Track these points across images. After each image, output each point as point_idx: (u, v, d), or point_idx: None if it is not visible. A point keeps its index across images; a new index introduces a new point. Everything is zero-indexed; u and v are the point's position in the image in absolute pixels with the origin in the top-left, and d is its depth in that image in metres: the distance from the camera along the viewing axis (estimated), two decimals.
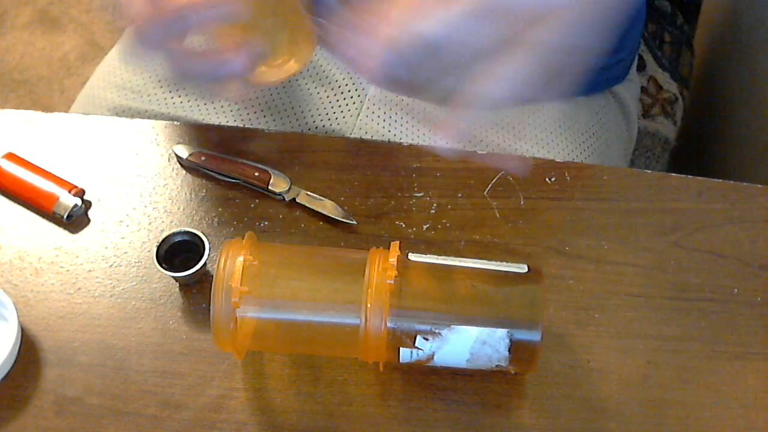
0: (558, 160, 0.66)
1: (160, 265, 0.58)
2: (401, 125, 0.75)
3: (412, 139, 0.74)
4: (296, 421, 0.55)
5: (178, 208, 0.64)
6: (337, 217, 0.63)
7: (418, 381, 0.57)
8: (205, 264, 0.59)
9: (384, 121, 0.75)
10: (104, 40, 1.81)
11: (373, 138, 0.73)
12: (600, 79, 0.80)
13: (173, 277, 0.60)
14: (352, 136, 0.74)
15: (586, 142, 0.78)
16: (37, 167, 0.65)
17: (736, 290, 0.60)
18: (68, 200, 0.63)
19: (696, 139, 1.11)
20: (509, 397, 0.56)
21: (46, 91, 1.73)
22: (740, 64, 1.02)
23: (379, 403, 0.56)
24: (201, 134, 0.68)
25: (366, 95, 0.76)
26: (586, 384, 0.56)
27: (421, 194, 0.64)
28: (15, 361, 0.57)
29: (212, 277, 0.60)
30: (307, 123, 0.74)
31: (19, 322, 0.57)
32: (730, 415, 0.55)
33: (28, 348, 0.58)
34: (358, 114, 0.75)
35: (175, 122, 0.71)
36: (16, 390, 0.56)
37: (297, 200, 0.64)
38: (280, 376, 0.57)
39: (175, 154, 0.66)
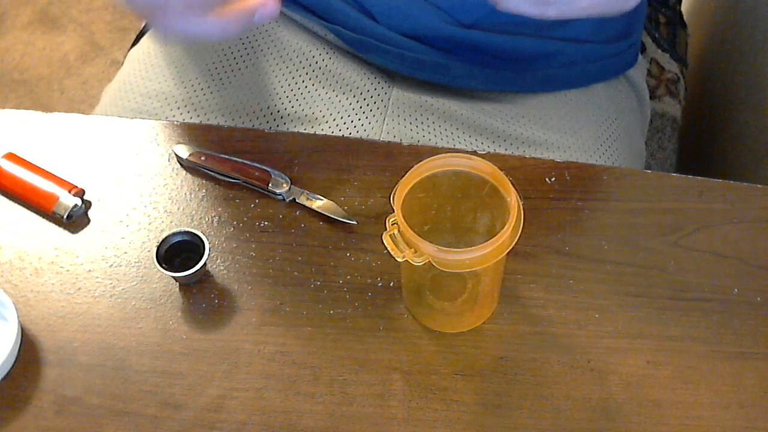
0: (558, 160, 0.66)
1: (160, 265, 0.58)
2: (428, 126, 0.75)
3: (441, 139, 0.74)
4: (296, 421, 0.55)
5: (178, 208, 0.64)
6: (337, 217, 0.63)
7: (418, 381, 0.57)
8: (205, 264, 0.59)
9: (410, 123, 0.75)
10: (104, 40, 1.81)
11: (402, 141, 0.73)
12: (615, 64, 0.82)
13: (173, 277, 0.60)
14: (381, 140, 0.74)
15: (609, 128, 0.79)
16: (37, 167, 0.65)
17: (736, 290, 0.60)
18: (68, 200, 0.63)
19: (699, 116, 1.11)
20: (509, 397, 0.56)
21: (46, 91, 1.73)
22: (735, 42, 1.02)
23: (379, 403, 0.56)
24: (201, 134, 0.69)
25: (389, 99, 0.76)
26: (586, 384, 0.56)
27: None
28: (15, 361, 0.57)
29: (212, 277, 0.61)
30: (332, 131, 0.74)
31: (19, 322, 0.57)
32: (730, 415, 0.55)
33: (28, 348, 0.58)
34: (384, 118, 0.75)
35: (175, 122, 0.71)
36: (16, 390, 0.56)
37: (297, 200, 0.64)
38: (280, 376, 0.57)
39: (175, 154, 0.66)
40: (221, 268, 0.61)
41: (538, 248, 0.62)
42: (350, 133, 0.74)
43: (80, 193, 0.64)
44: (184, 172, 0.66)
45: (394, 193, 0.52)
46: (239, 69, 0.77)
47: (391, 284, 0.60)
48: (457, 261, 0.51)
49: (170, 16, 0.48)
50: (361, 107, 0.75)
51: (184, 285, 0.61)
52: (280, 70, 0.77)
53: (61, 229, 0.64)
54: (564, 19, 0.50)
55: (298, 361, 0.57)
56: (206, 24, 0.48)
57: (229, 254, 0.62)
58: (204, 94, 0.76)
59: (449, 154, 0.54)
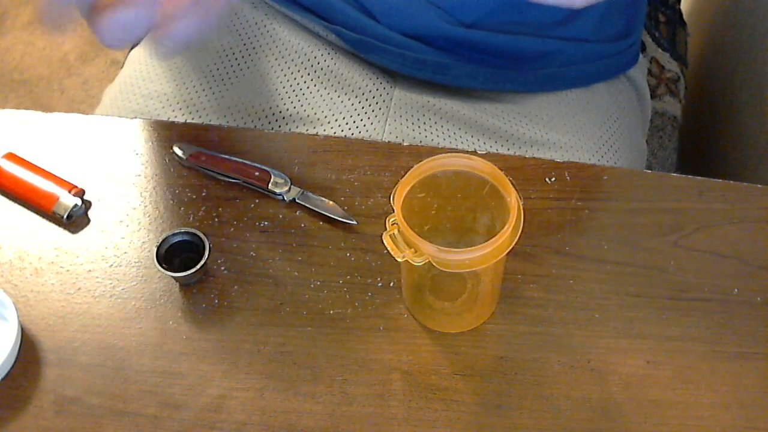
0: (558, 160, 0.66)
1: (160, 265, 0.58)
2: (430, 126, 0.75)
3: (443, 139, 0.74)
4: (296, 421, 0.55)
5: (178, 208, 0.64)
6: (337, 217, 0.63)
7: (418, 381, 0.57)
8: (205, 264, 0.59)
9: (413, 123, 0.75)
10: None
11: (404, 141, 0.73)
12: (616, 64, 0.82)
13: (173, 277, 0.60)
14: (383, 140, 0.74)
15: (611, 128, 0.79)
16: (37, 167, 0.65)
17: (736, 290, 0.60)
18: (68, 200, 0.63)
19: (699, 115, 1.12)
20: (509, 397, 0.56)
21: (46, 91, 1.73)
22: (735, 42, 1.02)
23: (379, 403, 0.56)
24: (201, 134, 0.68)
25: (392, 99, 0.76)
26: (586, 384, 0.56)
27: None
28: (15, 361, 0.57)
29: (212, 277, 0.61)
30: (334, 131, 0.74)
31: (19, 322, 0.57)
32: (730, 415, 0.55)
33: (28, 348, 0.58)
34: (386, 119, 0.75)
35: (175, 122, 0.71)
36: (16, 390, 0.56)
37: (297, 200, 0.64)
38: (280, 376, 0.57)
39: (175, 154, 0.66)
40: (221, 268, 0.61)
41: (538, 248, 0.62)
42: (352, 134, 0.74)
43: (80, 193, 0.64)
44: (184, 172, 0.66)
45: (394, 193, 0.52)
46: (240, 70, 0.77)
47: (391, 284, 0.60)
48: (457, 261, 0.51)
49: (152, 39, 0.48)
50: (363, 107, 0.75)
51: (184, 285, 0.61)
52: (281, 70, 0.77)
53: (61, 229, 0.64)
54: (591, 4, 0.50)
55: (298, 361, 0.57)
56: (185, 27, 0.48)
57: (229, 254, 0.62)
58: (205, 95, 0.76)
59: (449, 154, 0.54)
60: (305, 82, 0.76)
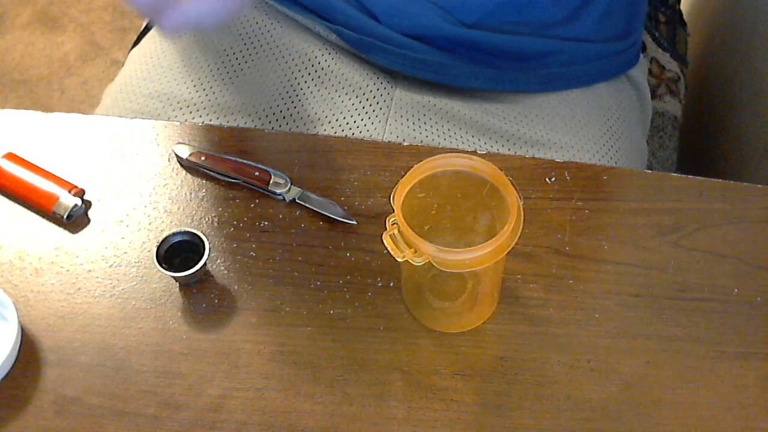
0: (558, 160, 0.66)
1: (160, 265, 0.58)
2: (431, 126, 0.75)
3: (444, 139, 0.74)
4: (296, 421, 0.55)
5: (178, 208, 0.64)
6: (337, 217, 0.63)
7: (418, 381, 0.57)
8: (205, 264, 0.59)
9: (413, 123, 0.75)
10: (104, 40, 1.81)
11: (404, 141, 0.73)
12: (617, 64, 0.82)
13: (173, 277, 0.60)
14: (384, 140, 0.74)
15: (612, 127, 0.79)
16: (37, 167, 0.65)
17: (736, 290, 0.60)
18: (68, 200, 0.63)
19: (699, 115, 1.12)
20: (509, 397, 0.56)
21: (46, 91, 1.73)
22: (735, 42, 1.02)
23: (379, 403, 0.56)
24: (201, 134, 0.69)
25: (392, 99, 0.76)
26: (586, 384, 0.56)
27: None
28: (15, 361, 0.57)
29: (212, 277, 0.61)
30: (335, 131, 0.74)
31: (19, 322, 0.57)
32: (730, 415, 0.55)
33: (28, 348, 0.58)
34: (387, 119, 0.75)
35: (175, 122, 0.71)
36: (16, 390, 0.56)
37: (297, 200, 0.64)
38: (280, 376, 0.57)
39: (175, 154, 0.66)
40: (221, 268, 0.61)
41: (538, 248, 0.62)
42: (353, 134, 0.74)
43: (80, 193, 0.64)
44: (184, 172, 0.66)
45: (394, 193, 0.52)
46: (241, 70, 0.77)
47: (391, 284, 0.60)
48: (457, 261, 0.51)
49: (170, 7, 0.49)
50: (363, 108, 0.75)
51: (184, 285, 0.61)
52: (282, 70, 0.77)
53: (61, 229, 0.64)
54: None
55: (298, 361, 0.57)
56: (206, 3, 0.49)
57: (229, 254, 0.62)
58: (206, 95, 0.76)
59: (449, 154, 0.54)
60: (306, 81, 0.76)
